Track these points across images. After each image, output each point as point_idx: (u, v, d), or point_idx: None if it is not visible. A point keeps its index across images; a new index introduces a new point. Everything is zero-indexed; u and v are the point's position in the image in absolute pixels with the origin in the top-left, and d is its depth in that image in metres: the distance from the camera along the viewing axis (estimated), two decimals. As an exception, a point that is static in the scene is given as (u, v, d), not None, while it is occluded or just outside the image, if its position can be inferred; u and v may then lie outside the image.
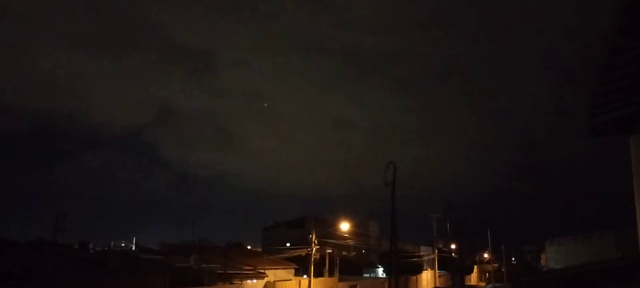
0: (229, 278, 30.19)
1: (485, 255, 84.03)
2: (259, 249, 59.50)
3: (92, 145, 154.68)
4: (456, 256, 61.22)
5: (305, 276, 38.37)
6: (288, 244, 50.28)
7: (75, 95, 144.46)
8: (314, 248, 35.72)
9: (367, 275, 56.41)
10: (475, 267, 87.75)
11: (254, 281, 33.64)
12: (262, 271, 35.13)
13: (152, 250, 40.30)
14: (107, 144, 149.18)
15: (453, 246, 62.67)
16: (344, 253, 51.06)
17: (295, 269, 42.71)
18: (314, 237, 36.02)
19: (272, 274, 36.20)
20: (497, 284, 65.05)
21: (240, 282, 30.71)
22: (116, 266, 29.18)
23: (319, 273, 38.28)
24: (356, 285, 43.40)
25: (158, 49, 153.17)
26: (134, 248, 44.04)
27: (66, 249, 33.76)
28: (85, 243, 39.58)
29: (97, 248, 42.18)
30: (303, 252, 38.22)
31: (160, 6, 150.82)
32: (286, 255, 44.04)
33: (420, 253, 61.25)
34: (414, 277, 52.41)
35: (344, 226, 41.52)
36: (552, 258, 55.72)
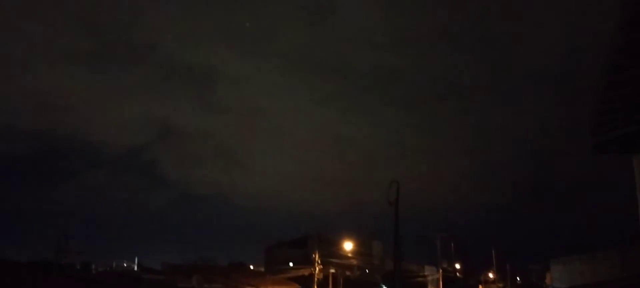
0: (231, 299, 30.00)
1: (490, 275, 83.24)
2: (262, 269, 59.10)
3: (93, 164, 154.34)
4: (461, 276, 60.71)
5: (308, 296, 38.09)
6: (291, 264, 49.93)
7: (75, 114, 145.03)
8: (317, 268, 35.55)
9: (370, 295, 55.86)
10: (480, 286, 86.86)
11: (257, 301, 33.43)
12: (265, 291, 34.92)
13: (155, 271, 40.11)
14: (108, 163, 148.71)
15: (457, 266, 62.18)
16: (348, 273, 50.67)
17: (299, 289, 42.40)
18: (317, 256, 35.87)
19: (275, 294, 35.97)
20: (502, 304, 64.32)
21: (243, 303, 30.51)
22: (119, 287, 29.05)
23: (322, 294, 38.00)
24: (360, 306, 43.07)
25: (157, 66, 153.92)
26: (136, 268, 43.90)
27: (69, 270, 33.69)
28: (87, 263, 39.48)
29: (100, 269, 42.03)
30: (306, 272, 38.01)
31: (159, 23, 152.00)
32: (289, 275, 43.74)
33: (425, 273, 60.73)
34: (418, 297, 51.93)
35: (347, 245, 41.36)
36: (557, 277, 55.01)
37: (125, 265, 46.24)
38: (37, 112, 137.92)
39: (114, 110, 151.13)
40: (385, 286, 57.06)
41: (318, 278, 35.21)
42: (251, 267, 60.07)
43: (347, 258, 43.87)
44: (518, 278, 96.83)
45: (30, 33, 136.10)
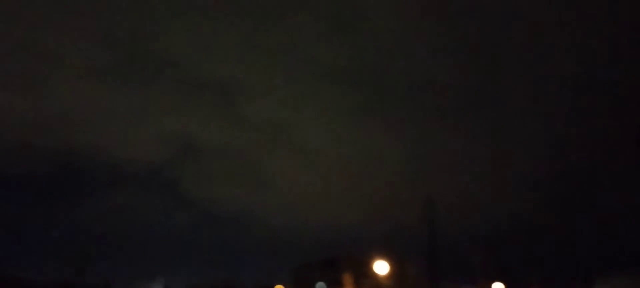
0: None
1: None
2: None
3: (114, 183, 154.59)
4: (501, 298, 57.36)
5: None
6: (321, 285, 47.91)
7: (95, 131, 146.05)
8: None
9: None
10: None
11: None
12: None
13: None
14: (129, 182, 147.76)
15: (498, 286, 58.82)
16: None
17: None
18: (349, 278, 33.90)
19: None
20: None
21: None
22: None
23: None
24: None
25: (179, 81, 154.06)
26: (161, 289, 42.79)
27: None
28: (109, 285, 38.42)
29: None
30: (337, 295, 35.98)
31: (181, 37, 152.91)
32: (319, 297, 41.73)
33: (462, 295, 57.66)
34: (457, 321, 49.03)
35: (381, 266, 39.08)
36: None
37: (149, 286, 45.04)
38: (57, 129, 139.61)
39: (135, 127, 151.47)
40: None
41: (349, 302, 33.15)
42: (279, 288, 58.09)
43: (380, 280, 41.53)
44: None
45: (49, 49, 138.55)
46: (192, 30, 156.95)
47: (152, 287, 45.17)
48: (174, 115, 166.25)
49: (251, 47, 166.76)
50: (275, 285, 60.36)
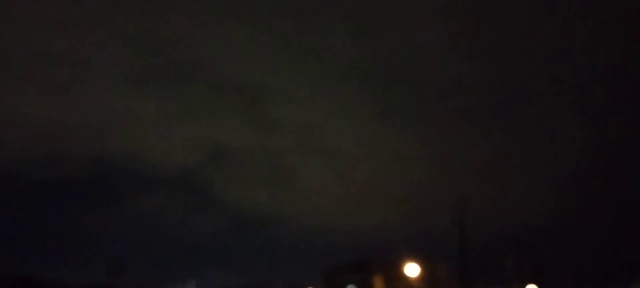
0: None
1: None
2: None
3: (145, 188, 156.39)
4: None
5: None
6: (351, 287, 47.67)
7: (126, 137, 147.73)
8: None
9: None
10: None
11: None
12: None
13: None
14: (160, 187, 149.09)
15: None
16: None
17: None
18: (379, 280, 33.72)
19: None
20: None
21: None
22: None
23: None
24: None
25: (208, 85, 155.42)
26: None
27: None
28: (141, 288, 38.96)
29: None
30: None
31: (209, 41, 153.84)
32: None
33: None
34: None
35: (412, 269, 38.73)
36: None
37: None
38: (88, 135, 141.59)
39: (165, 132, 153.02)
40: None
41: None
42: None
43: (412, 282, 41.09)
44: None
45: (79, 55, 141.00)
46: (220, 35, 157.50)
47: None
48: (203, 119, 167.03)
49: (279, 50, 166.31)
50: (305, 287, 60.29)
